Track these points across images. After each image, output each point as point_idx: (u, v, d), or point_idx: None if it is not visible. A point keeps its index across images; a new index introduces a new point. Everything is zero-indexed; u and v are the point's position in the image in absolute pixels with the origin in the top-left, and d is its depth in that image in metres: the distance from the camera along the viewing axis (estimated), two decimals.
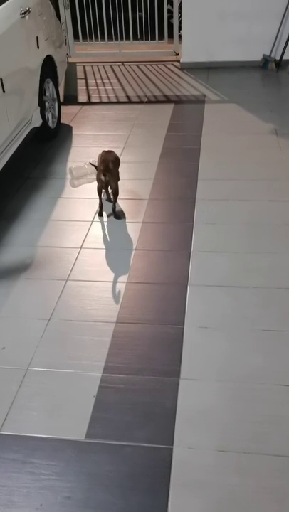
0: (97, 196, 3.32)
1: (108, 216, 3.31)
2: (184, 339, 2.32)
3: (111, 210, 3.31)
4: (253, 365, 2.18)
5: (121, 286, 2.68)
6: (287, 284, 2.63)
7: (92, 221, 3.27)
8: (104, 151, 3.30)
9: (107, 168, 3.16)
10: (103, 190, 3.32)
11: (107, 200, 3.39)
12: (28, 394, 2.11)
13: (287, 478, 1.75)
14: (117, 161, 3.27)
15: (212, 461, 1.82)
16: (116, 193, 3.27)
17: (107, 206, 3.36)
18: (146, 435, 1.91)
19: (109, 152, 3.29)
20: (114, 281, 2.73)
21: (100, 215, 3.31)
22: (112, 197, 3.30)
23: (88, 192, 3.58)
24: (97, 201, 3.34)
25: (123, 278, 2.74)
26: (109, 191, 3.33)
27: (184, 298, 2.57)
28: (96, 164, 3.33)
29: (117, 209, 3.30)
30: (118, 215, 3.29)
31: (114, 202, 3.29)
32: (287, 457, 1.81)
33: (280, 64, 5.96)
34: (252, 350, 2.25)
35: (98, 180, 3.25)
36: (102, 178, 3.18)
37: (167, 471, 1.78)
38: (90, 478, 1.78)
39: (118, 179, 3.27)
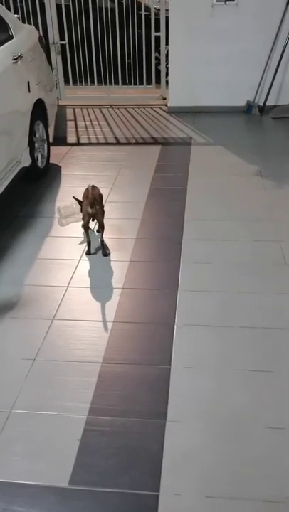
0: (84, 235, 3.35)
1: (95, 252, 3.33)
2: (170, 380, 2.30)
3: (99, 244, 3.35)
4: (240, 407, 2.15)
5: (107, 326, 2.67)
6: (273, 324, 2.64)
7: (80, 260, 3.28)
8: (89, 186, 3.38)
9: (94, 201, 3.25)
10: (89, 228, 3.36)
11: (95, 230, 3.44)
12: (10, 437, 2.05)
13: None
14: (101, 196, 3.37)
15: (200, 508, 1.76)
16: (103, 227, 3.34)
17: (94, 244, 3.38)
18: (132, 481, 1.86)
19: (94, 187, 3.38)
20: (101, 321, 2.71)
21: (89, 253, 3.33)
22: (97, 230, 3.37)
23: (76, 231, 3.61)
24: (84, 240, 3.37)
25: (110, 317, 2.73)
26: (95, 227, 3.38)
27: (170, 338, 2.56)
28: (79, 199, 3.44)
29: (104, 243, 3.35)
30: (106, 251, 3.32)
31: (102, 235, 3.35)
32: (277, 503, 1.77)
33: (263, 109, 6.18)
34: (238, 391, 2.24)
35: (85, 214, 3.31)
36: (90, 210, 3.25)
37: None
38: None
39: (104, 213, 3.35)
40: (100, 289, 3.00)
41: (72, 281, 3.05)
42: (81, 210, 3.46)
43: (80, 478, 1.87)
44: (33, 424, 2.11)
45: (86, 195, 3.30)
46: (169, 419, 2.10)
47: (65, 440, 2.03)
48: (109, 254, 3.31)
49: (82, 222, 3.50)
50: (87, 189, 3.33)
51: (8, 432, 2.07)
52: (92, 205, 3.25)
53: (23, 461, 1.95)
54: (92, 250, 3.35)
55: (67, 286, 3.00)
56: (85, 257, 3.31)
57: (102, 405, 2.18)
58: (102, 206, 3.38)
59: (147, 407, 2.17)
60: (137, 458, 1.95)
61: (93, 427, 2.08)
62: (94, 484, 1.85)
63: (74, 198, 3.62)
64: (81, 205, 3.47)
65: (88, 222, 3.33)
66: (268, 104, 6.16)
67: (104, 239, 3.41)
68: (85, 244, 3.38)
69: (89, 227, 3.36)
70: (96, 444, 2.01)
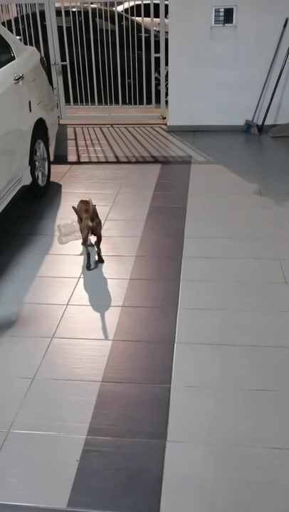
0: (84, 251, 3.43)
1: (96, 266, 3.37)
2: (170, 399, 2.27)
3: (96, 257, 3.41)
4: (242, 427, 2.13)
5: (107, 344, 2.65)
6: (274, 343, 2.62)
7: (79, 278, 3.28)
8: (82, 201, 3.49)
9: (94, 214, 3.33)
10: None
11: (90, 245, 3.49)
12: (8, 458, 2.02)
13: None
14: (95, 210, 3.44)
15: None
16: (100, 239, 3.41)
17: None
18: (132, 504, 1.82)
19: (87, 201, 3.42)
20: (100, 339, 2.70)
21: (89, 268, 3.34)
22: (96, 242, 3.43)
23: (76, 249, 3.62)
24: (83, 258, 3.38)
25: (109, 335, 2.71)
26: (92, 241, 3.48)
27: (170, 356, 2.54)
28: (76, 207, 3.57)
29: (101, 255, 3.43)
30: (101, 259, 3.40)
31: (99, 247, 3.42)
32: None
33: (261, 129, 6.24)
34: (240, 411, 2.21)
35: (85, 227, 3.37)
36: (90, 224, 3.32)
37: None
38: None
39: (101, 225, 3.45)
40: (100, 307, 2.99)
41: (72, 299, 3.04)
42: (79, 222, 3.56)
43: (78, 500, 1.84)
44: (32, 444, 2.08)
45: (85, 209, 3.37)
46: (170, 440, 2.07)
47: (63, 461, 2.00)
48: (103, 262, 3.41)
49: (81, 240, 3.53)
50: (87, 203, 3.38)
51: (6, 452, 2.04)
52: (93, 219, 3.32)
53: (21, 483, 1.92)
54: (92, 265, 3.36)
55: (67, 304, 2.99)
56: (84, 274, 3.31)
57: (102, 425, 2.15)
58: (100, 219, 3.44)
59: (147, 427, 2.14)
60: (136, 479, 1.91)
61: (92, 448, 2.05)
62: (92, 507, 1.82)
63: (73, 207, 3.65)
64: (82, 218, 3.53)
65: (88, 235, 3.39)
66: (266, 123, 6.23)
67: (104, 256, 3.43)
68: (83, 259, 3.40)
69: (88, 240, 3.43)
70: (95, 465, 1.97)
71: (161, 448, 2.03)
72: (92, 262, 3.38)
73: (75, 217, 3.69)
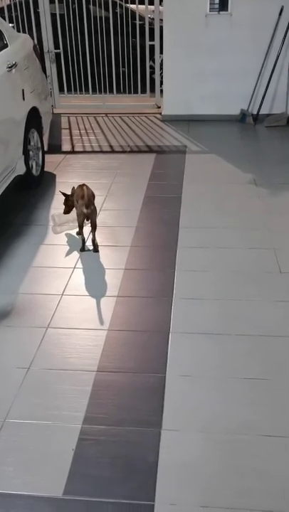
0: (79, 236, 3.48)
1: (86, 250, 3.41)
2: (165, 388, 2.29)
3: (91, 244, 3.43)
4: (237, 415, 2.14)
5: (102, 334, 2.65)
6: (269, 332, 2.64)
7: (74, 268, 3.27)
8: (80, 186, 3.47)
9: (90, 201, 3.33)
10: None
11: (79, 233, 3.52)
12: (4, 448, 2.03)
13: None
14: (94, 196, 3.43)
15: None
16: (96, 226, 3.42)
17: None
18: (127, 491, 1.84)
19: (88, 187, 3.43)
20: (96, 329, 2.70)
21: (83, 250, 3.39)
22: (91, 230, 3.43)
23: (70, 239, 3.61)
24: (77, 249, 3.38)
25: (104, 325, 2.72)
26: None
27: (165, 346, 2.55)
28: (66, 193, 3.58)
29: (96, 242, 3.43)
30: (97, 248, 3.40)
31: (94, 233, 3.42)
32: None
33: (257, 118, 6.22)
34: (235, 400, 2.23)
35: (80, 214, 3.37)
36: (85, 210, 3.32)
37: None
38: None
39: (96, 212, 3.45)
40: (95, 297, 2.99)
41: (67, 289, 3.04)
42: (65, 204, 3.61)
43: (74, 489, 1.85)
44: (27, 433, 2.09)
45: (81, 195, 3.36)
46: (165, 428, 2.08)
47: (59, 450, 2.01)
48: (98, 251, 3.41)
49: (76, 229, 3.53)
50: (82, 189, 3.40)
51: (2, 441, 2.05)
52: (88, 206, 3.32)
53: (17, 472, 1.93)
54: (86, 248, 3.41)
55: (62, 294, 2.99)
56: (79, 264, 3.31)
57: (97, 414, 2.16)
58: (95, 206, 3.44)
59: (142, 415, 2.15)
60: (132, 467, 1.93)
61: (88, 436, 2.06)
62: (88, 494, 1.83)
63: (60, 192, 3.66)
64: (67, 199, 3.59)
65: (83, 222, 3.40)
66: (261, 113, 6.20)
67: (99, 246, 3.43)
68: (77, 245, 3.41)
69: (84, 226, 3.43)
70: (91, 454, 1.99)
71: (157, 436, 2.05)
72: (86, 247, 3.43)
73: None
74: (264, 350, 2.51)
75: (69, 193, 3.67)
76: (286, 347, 2.53)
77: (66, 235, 3.68)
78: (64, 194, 3.68)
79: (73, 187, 3.63)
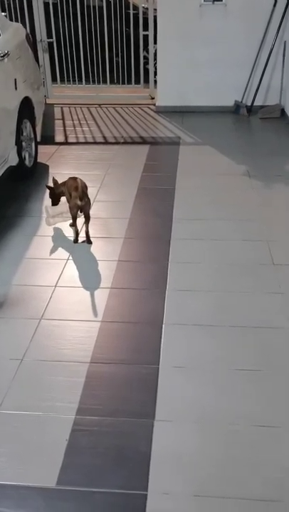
0: (72, 228, 3.46)
1: (79, 242, 3.40)
2: (159, 379, 2.29)
3: (84, 235, 3.43)
4: (229, 406, 2.16)
5: (95, 326, 2.65)
6: (262, 323, 2.65)
7: (68, 259, 3.27)
8: (72, 178, 3.46)
9: (84, 192, 3.32)
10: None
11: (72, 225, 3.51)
12: None
13: None
14: (86, 187, 3.42)
15: (188, 507, 1.77)
16: (89, 218, 3.41)
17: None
18: (120, 481, 1.85)
19: (78, 178, 3.42)
20: (89, 320, 2.70)
21: (76, 241, 3.39)
22: (84, 221, 3.42)
23: (64, 230, 3.59)
24: (70, 240, 3.38)
25: (98, 317, 2.72)
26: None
27: (158, 337, 2.56)
28: (50, 186, 3.59)
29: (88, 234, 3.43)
30: (90, 240, 3.39)
31: (88, 225, 3.41)
32: (265, 501, 1.78)
33: (251, 109, 6.21)
34: (228, 390, 2.24)
35: (74, 206, 3.36)
36: (79, 203, 3.30)
37: None
38: None
39: (90, 204, 3.44)
40: (88, 288, 2.99)
41: (60, 281, 3.03)
42: (51, 197, 3.60)
43: (67, 479, 1.86)
44: (21, 424, 2.09)
45: (74, 186, 3.35)
46: (158, 419, 2.10)
47: (52, 440, 2.02)
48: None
49: (69, 221, 3.52)
50: (75, 181, 3.39)
51: None
52: (82, 198, 3.31)
53: (11, 462, 1.94)
54: (80, 240, 3.41)
55: (55, 286, 2.99)
56: (73, 256, 3.30)
57: (91, 405, 2.17)
58: (89, 198, 3.43)
59: (135, 406, 2.16)
60: (125, 457, 1.94)
61: (81, 427, 2.07)
62: (81, 484, 1.84)
63: (46, 186, 3.65)
64: (52, 192, 3.59)
65: (77, 214, 3.38)
66: (255, 104, 6.19)
67: (92, 238, 3.42)
68: (71, 235, 3.43)
69: (77, 218, 3.42)
70: (84, 444, 2.00)
71: (150, 427, 2.06)
72: (80, 238, 3.42)
73: (63, 198, 3.66)
74: (257, 342, 2.52)
75: (51, 184, 3.66)
76: (279, 338, 2.54)
77: (59, 226, 3.67)
78: (48, 187, 3.68)
79: (53, 177, 3.64)
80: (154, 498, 1.79)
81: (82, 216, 3.43)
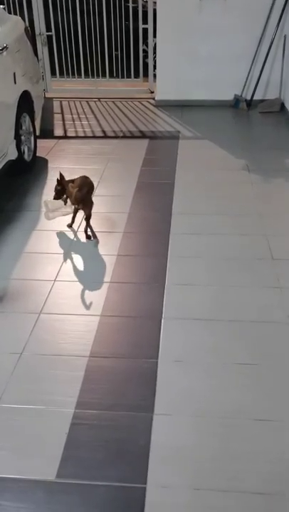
0: (70, 229, 3.50)
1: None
2: (158, 373, 2.30)
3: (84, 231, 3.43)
4: (228, 400, 2.17)
5: (95, 320, 2.66)
6: (260, 318, 2.66)
7: (67, 253, 3.27)
8: (82, 176, 3.46)
9: (89, 195, 3.34)
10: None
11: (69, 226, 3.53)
12: None
13: None
14: (92, 188, 3.43)
15: (187, 500, 1.78)
16: (89, 217, 3.39)
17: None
18: (119, 474, 1.86)
19: (88, 178, 3.44)
20: (88, 315, 2.71)
21: (70, 226, 3.45)
22: (85, 220, 3.41)
23: (63, 224, 3.59)
24: (70, 235, 3.39)
25: (97, 311, 2.72)
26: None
27: (158, 331, 2.56)
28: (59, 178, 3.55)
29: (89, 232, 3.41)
30: (89, 236, 3.39)
31: (87, 223, 3.40)
32: (263, 495, 1.79)
33: (250, 104, 6.19)
34: (227, 384, 2.25)
35: (74, 197, 3.36)
36: (78, 194, 3.30)
37: None
38: None
39: (92, 203, 3.41)
40: (88, 282, 2.99)
41: (60, 275, 3.04)
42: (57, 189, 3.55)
43: (67, 472, 1.87)
44: (20, 418, 2.10)
45: (81, 183, 3.35)
46: (157, 413, 2.10)
47: (52, 434, 2.03)
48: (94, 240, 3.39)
49: (69, 216, 3.52)
50: (85, 179, 3.40)
51: None
52: (83, 200, 3.30)
53: (10, 456, 1.95)
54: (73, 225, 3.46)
55: (55, 280, 2.99)
56: (72, 250, 3.30)
57: (90, 399, 2.18)
58: (91, 198, 3.40)
59: (135, 400, 2.17)
60: (124, 451, 1.95)
61: (81, 421, 2.07)
62: (81, 478, 1.85)
63: (59, 178, 3.59)
64: (60, 185, 3.54)
65: (77, 209, 3.39)
66: (255, 98, 6.17)
67: (90, 233, 3.42)
68: (70, 234, 3.42)
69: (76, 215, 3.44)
70: (83, 438, 2.01)
71: (149, 421, 2.07)
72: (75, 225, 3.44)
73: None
74: (255, 336, 2.53)
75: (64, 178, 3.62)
76: (277, 333, 2.55)
77: (59, 220, 3.66)
78: (58, 180, 3.61)
79: (60, 172, 3.61)
80: (153, 492, 1.80)
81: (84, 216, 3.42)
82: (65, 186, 3.50)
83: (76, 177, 3.48)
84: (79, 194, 3.29)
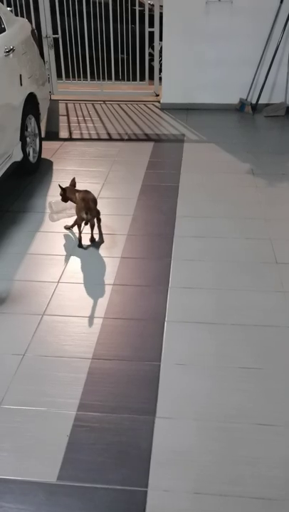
0: (68, 231, 3.48)
1: (86, 247, 3.35)
2: (160, 376, 2.30)
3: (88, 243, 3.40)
4: (230, 404, 2.16)
5: (98, 322, 2.66)
6: (264, 321, 2.65)
7: (70, 255, 3.27)
8: (84, 191, 3.41)
9: (91, 208, 3.27)
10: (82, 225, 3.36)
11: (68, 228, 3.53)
12: None
13: None
14: (96, 202, 3.38)
15: (188, 504, 1.77)
16: (94, 225, 3.37)
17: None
18: (121, 477, 1.86)
19: (90, 192, 3.39)
20: (91, 317, 2.70)
21: (80, 246, 3.34)
22: (90, 227, 3.37)
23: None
24: (74, 236, 3.38)
25: (100, 313, 2.72)
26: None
27: (160, 334, 2.56)
28: (62, 186, 3.52)
29: (94, 237, 3.40)
30: (94, 239, 3.39)
31: (92, 231, 3.38)
32: (264, 500, 1.78)
33: (255, 107, 6.19)
34: (229, 388, 2.24)
35: (79, 218, 3.32)
36: (84, 216, 3.24)
37: None
38: None
39: (98, 214, 3.39)
40: (91, 285, 2.99)
41: (63, 277, 3.04)
42: (62, 195, 3.53)
43: (68, 474, 1.87)
44: (22, 419, 2.10)
45: (84, 198, 3.29)
46: (159, 416, 2.10)
47: (54, 436, 2.02)
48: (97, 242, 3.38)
49: (73, 217, 3.51)
50: (87, 194, 3.35)
51: None
52: (87, 212, 3.24)
53: (12, 457, 1.94)
54: (85, 246, 3.35)
55: (58, 282, 2.99)
56: (75, 252, 3.30)
57: (92, 401, 2.17)
58: (97, 210, 3.37)
59: (137, 403, 2.16)
60: (125, 454, 1.94)
61: (82, 423, 2.07)
62: (82, 480, 1.85)
63: (60, 186, 3.60)
64: (65, 193, 3.52)
65: (81, 224, 3.32)
66: (260, 102, 6.17)
67: (96, 235, 3.42)
68: (74, 236, 3.40)
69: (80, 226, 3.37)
70: (85, 440, 2.00)
71: (151, 423, 2.06)
72: (85, 244, 3.37)
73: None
74: (258, 340, 2.52)
75: (64, 186, 3.59)
76: (280, 337, 2.54)
77: (63, 222, 3.67)
78: (61, 188, 3.55)
79: (73, 178, 3.60)
80: (155, 495, 1.79)
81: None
82: (70, 197, 3.49)
83: (80, 191, 3.44)
84: (85, 217, 3.25)
